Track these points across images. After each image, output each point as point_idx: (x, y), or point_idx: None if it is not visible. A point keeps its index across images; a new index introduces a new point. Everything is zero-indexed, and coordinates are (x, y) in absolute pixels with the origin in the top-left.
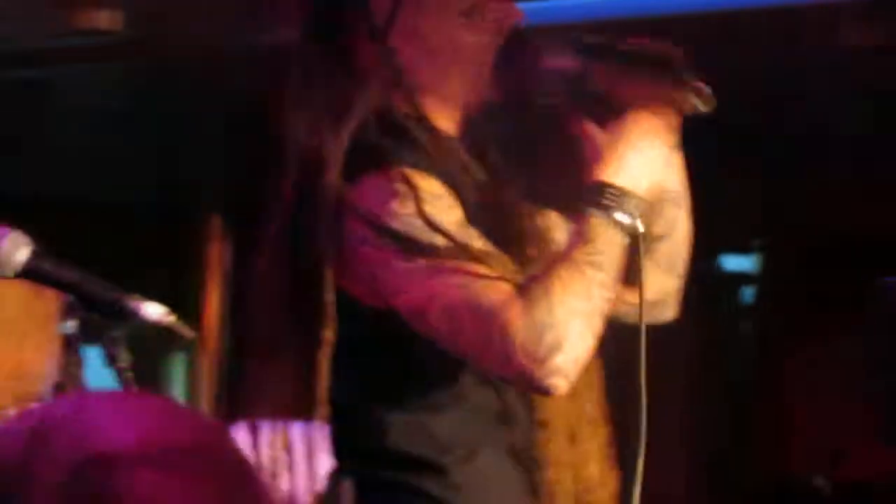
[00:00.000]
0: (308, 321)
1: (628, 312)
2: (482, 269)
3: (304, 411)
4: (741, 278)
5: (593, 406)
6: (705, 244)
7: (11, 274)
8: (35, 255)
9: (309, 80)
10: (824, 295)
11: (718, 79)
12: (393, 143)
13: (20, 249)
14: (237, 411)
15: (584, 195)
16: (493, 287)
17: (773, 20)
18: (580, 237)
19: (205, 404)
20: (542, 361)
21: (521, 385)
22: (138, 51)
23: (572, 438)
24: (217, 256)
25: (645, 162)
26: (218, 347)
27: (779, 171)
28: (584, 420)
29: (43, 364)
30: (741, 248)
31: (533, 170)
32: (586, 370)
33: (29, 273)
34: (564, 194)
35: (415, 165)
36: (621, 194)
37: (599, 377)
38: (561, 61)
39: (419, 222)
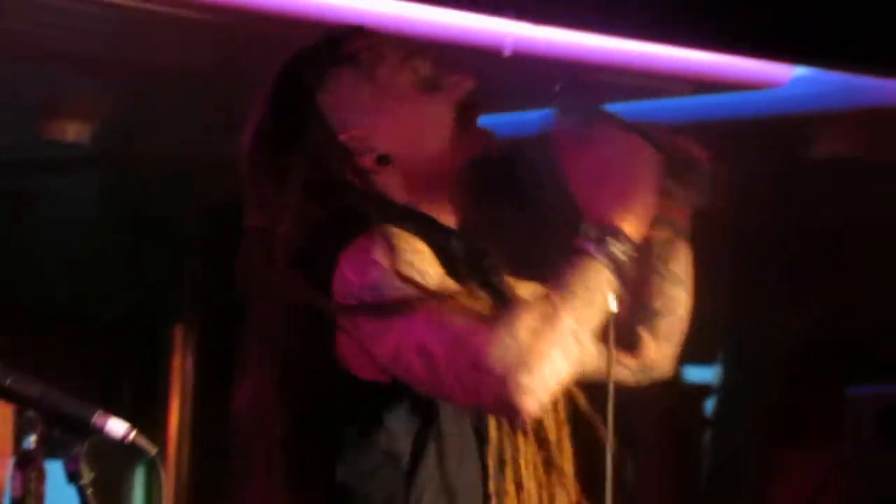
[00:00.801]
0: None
1: (626, 377)
2: (456, 305)
3: None
4: (705, 389)
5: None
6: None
7: None
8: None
9: (274, 164)
10: (788, 405)
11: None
12: (373, 211)
13: None
14: None
15: (578, 231)
16: (463, 316)
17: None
18: (560, 270)
19: None
20: (509, 379)
21: (495, 409)
22: (107, 162)
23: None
24: (181, 367)
25: (640, 207)
26: (180, 460)
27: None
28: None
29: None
30: (704, 360)
31: (508, 239)
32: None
33: None
34: (535, 260)
35: (396, 226)
36: (610, 233)
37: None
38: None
39: (397, 279)
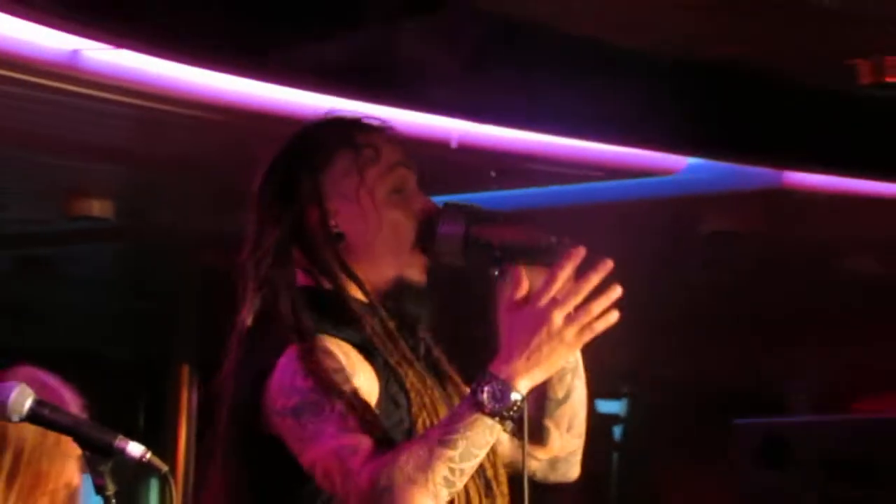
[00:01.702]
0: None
1: (536, 468)
2: (358, 428)
3: None
4: (612, 419)
5: None
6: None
7: (18, 419)
8: (38, 403)
9: (258, 245)
10: (683, 435)
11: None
12: (317, 316)
13: (26, 399)
14: None
15: (475, 381)
16: (357, 446)
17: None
18: (455, 412)
19: None
20: (374, 500)
21: None
22: (125, 234)
23: None
24: (186, 399)
25: (535, 362)
26: (187, 477)
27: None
28: None
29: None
30: (613, 395)
31: (453, 345)
32: None
33: (33, 418)
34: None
35: (333, 333)
36: (501, 393)
37: None
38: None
39: (318, 386)
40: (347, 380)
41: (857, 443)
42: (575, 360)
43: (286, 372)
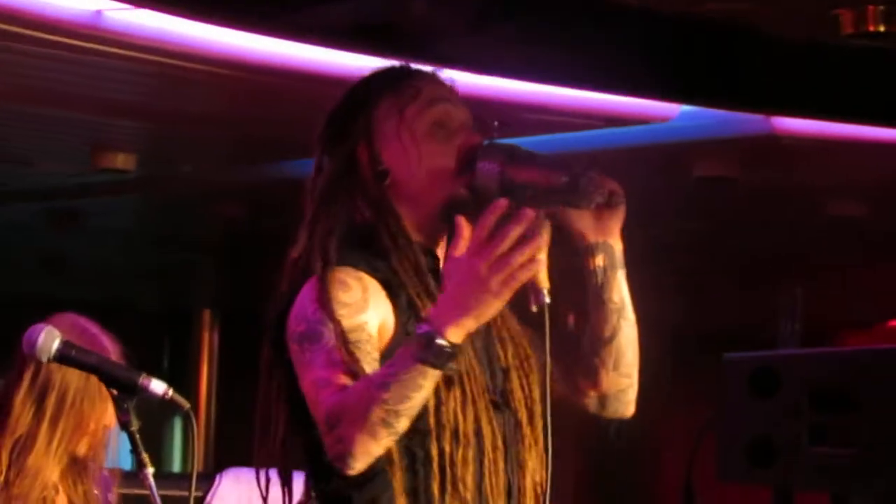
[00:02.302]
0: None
1: (588, 404)
2: (341, 363)
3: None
4: None
5: None
6: None
7: (47, 359)
8: (65, 344)
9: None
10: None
11: None
12: (347, 249)
13: (54, 340)
14: (224, 462)
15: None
16: (331, 380)
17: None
18: (392, 359)
19: (199, 457)
20: (332, 439)
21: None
22: (147, 186)
23: None
24: (207, 342)
25: (463, 311)
26: (209, 416)
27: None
28: None
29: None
30: None
31: None
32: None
33: (61, 358)
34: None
35: (355, 265)
36: (430, 340)
37: None
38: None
39: (326, 317)
40: (353, 314)
41: (843, 374)
42: (621, 300)
43: (303, 300)
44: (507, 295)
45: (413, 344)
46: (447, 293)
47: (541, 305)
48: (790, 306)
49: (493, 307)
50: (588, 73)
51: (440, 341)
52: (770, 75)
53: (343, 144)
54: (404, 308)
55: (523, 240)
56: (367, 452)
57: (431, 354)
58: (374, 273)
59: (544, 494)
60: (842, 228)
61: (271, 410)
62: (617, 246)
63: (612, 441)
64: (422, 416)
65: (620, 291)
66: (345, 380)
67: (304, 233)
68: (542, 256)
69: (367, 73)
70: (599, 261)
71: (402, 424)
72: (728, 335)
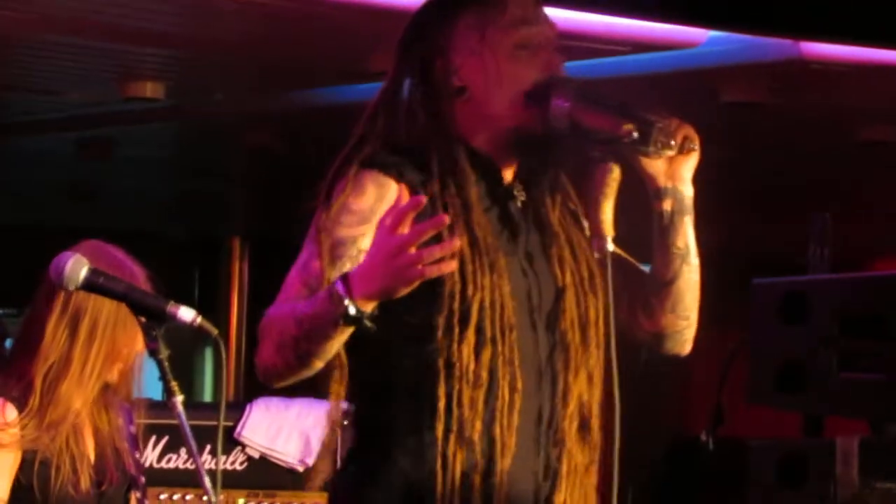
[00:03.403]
0: None
1: (644, 339)
2: (314, 271)
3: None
4: None
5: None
6: None
7: (74, 287)
8: (92, 272)
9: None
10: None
11: None
12: (394, 151)
13: (82, 268)
14: (254, 391)
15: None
16: (289, 286)
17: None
18: (315, 297)
19: (230, 386)
20: (259, 341)
21: None
22: (176, 114)
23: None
24: (237, 271)
25: (371, 282)
26: (239, 344)
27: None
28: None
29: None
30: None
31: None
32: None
33: (88, 286)
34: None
35: (385, 170)
36: (339, 298)
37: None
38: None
39: (328, 222)
40: (353, 224)
41: (873, 299)
42: (686, 246)
43: (331, 195)
44: (411, 282)
45: (327, 297)
46: (366, 259)
47: (603, 253)
48: (819, 232)
49: (400, 288)
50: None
51: (348, 304)
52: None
53: (418, 51)
54: (427, 213)
55: (430, 241)
56: (277, 373)
57: (339, 314)
58: (406, 180)
59: (589, 418)
60: (872, 154)
61: None
62: (687, 191)
63: (643, 362)
64: (432, 354)
65: (686, 237)
66: (300, 290)
67: (361, 129)
68: (608, 203)
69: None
70: (667, 205)
71: (315, 361)
72: (760, 262)
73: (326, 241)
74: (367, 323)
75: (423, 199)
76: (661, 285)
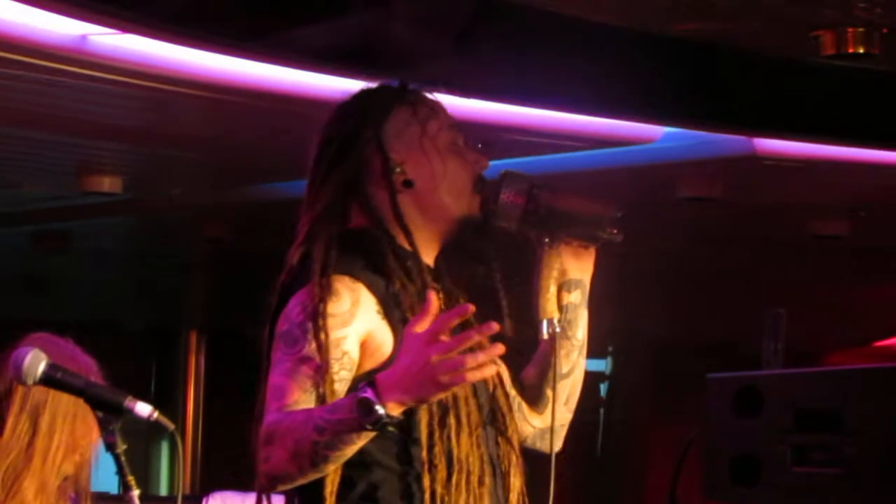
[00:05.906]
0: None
1: (529, 435)
2: (308, 376)
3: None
4: (599, 376)
5: None
6: None
7: (33, 382)
8: (51, 366)
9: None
10: (664, 389)
11: None
12: (348, 255)
13: (40, 363)
14: (210, 484)
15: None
16: (285, 391)
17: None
18: (335, 403)
19: (187, 479)
20: (262, 447)
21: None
22: (134, 208)
23: None
24: (194, 363)
25: (406, 389)
26: (196, 435)
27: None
28: None
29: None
30: (599, 353)
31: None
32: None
33: (47, 381)
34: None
35: (353, 275)
36: (370, 406)
37: None
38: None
39: (309, 323)
40: (336, 326)
41: (827, 394)
42: (584, 338)
43: (294, 302)
44: (450, 388)
45: (354, 404)
46: (397, 368)
47: (552, 334)
48: (774, 327)
49: (436, 395)
50: (572, 96)
51: (379, 410)
52: (752, 96)
53: (348, 157)
54: (398, 323)
55: (478, 346)
56: (289, 479)
57: (369, 421)
58: (371, 287)
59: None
60: (824, 247)
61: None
62: (588, 285)
63: (597, 454)
64: (417, 442)
65: (584, 329)
66: (298, 396)
67: (306, 235)
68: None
69: (356, 91)
70: (574, 297)
71: (329, 466)
72: (713, 352)
73: (311, 345)
74: (391, 428)
75: (471, 308)
76: (559, 377)
